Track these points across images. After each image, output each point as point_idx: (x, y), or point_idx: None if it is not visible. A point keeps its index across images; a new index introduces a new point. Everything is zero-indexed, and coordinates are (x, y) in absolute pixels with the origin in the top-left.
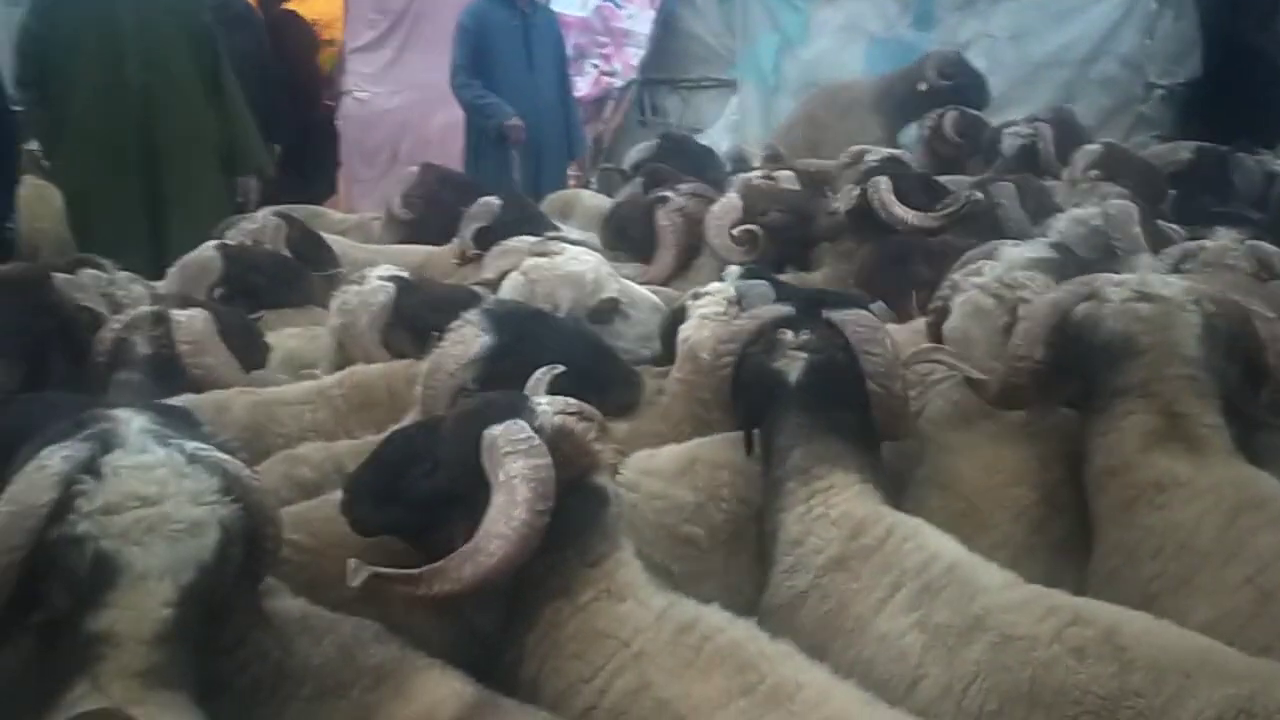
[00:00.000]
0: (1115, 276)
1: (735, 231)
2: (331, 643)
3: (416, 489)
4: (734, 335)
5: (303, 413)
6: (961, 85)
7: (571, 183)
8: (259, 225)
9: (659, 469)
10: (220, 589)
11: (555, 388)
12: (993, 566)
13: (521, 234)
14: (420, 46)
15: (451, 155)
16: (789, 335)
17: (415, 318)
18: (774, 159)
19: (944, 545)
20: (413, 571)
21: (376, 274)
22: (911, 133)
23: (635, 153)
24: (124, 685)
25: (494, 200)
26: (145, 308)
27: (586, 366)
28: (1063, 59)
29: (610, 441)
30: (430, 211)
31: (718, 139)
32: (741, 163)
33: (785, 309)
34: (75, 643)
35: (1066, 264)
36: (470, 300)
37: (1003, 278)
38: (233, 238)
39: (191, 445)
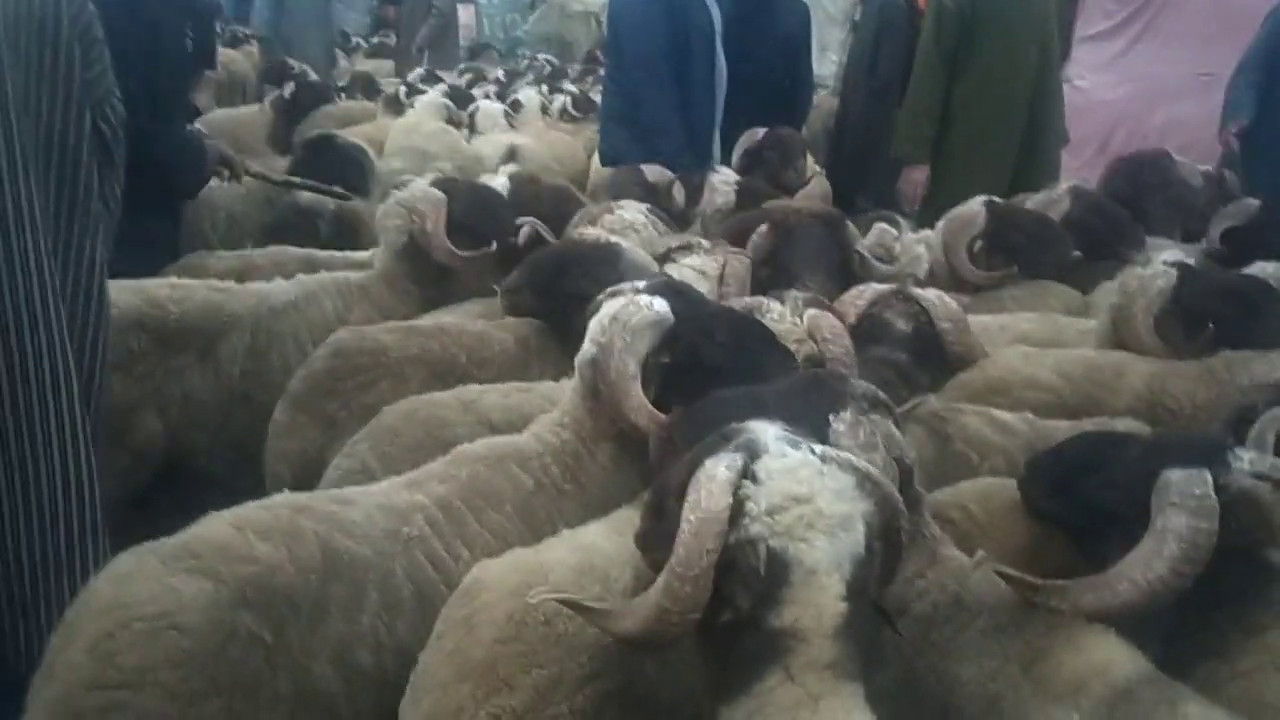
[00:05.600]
0: None
1: None
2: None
3: (1088, 494)
4: None
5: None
6: None
7: None
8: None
9: None
10: (870, 584)
11: None
12: None
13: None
14: (1156, 39)
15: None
16: None
17: (1195, 306)
18: None
19: None
20: (1033, 580)
21: (1161, 258)
22: None
23: None
24: (816, 677)
25: (1251, 201)
26: (888, 286)
27: None
28: None
29: None
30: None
31: None
32: None
33: None
34: (760, 639)
35: None
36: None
37: None
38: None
39: (820, 448)
